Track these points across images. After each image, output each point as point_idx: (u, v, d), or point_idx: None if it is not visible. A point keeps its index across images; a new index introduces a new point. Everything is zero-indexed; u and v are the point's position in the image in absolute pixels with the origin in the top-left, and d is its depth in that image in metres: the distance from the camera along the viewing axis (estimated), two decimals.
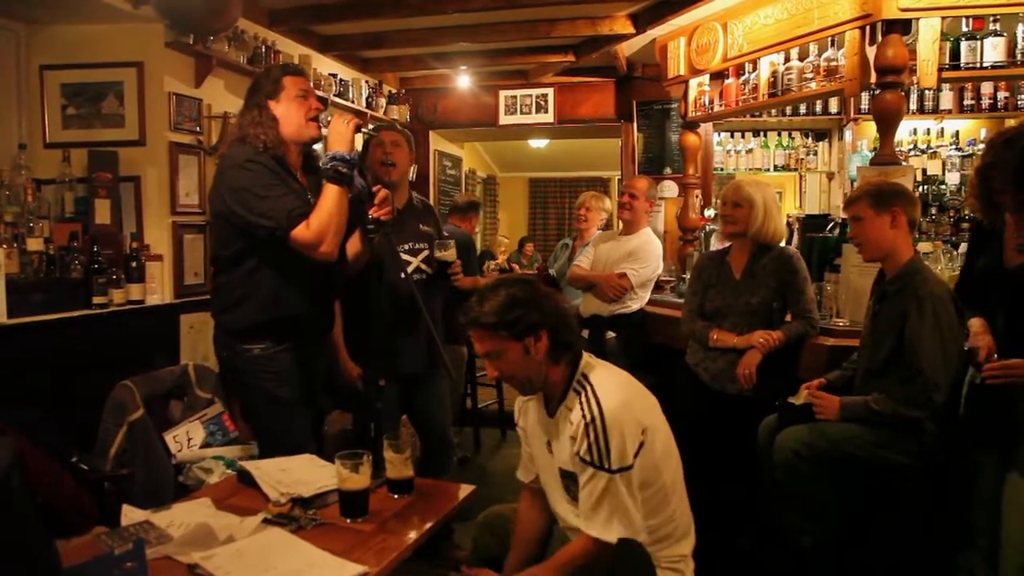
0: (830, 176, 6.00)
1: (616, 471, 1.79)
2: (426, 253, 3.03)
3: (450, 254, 2.98)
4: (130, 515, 1.84)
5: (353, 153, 2.38)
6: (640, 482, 1.85)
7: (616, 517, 1.80)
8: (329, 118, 2.42)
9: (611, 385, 1.90)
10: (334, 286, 2.61)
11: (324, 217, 2.30)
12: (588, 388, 1.88)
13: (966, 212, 4.47)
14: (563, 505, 1.98)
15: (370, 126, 2.73)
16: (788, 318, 3.08)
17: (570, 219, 11.02)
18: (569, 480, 1.92)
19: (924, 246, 3.59)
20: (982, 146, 4.93)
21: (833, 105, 5.46)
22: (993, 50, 3.41)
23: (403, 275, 2.76)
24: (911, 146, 5.36)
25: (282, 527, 1.79)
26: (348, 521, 1.85)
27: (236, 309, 2.43)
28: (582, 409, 1.85)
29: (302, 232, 2.28)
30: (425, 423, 3.12)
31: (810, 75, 3.69)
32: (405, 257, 2.96)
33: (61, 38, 3.67)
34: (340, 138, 2.37)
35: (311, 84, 2.54)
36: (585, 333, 3.85)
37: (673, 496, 1.94)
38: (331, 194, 2.33)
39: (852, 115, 5.33)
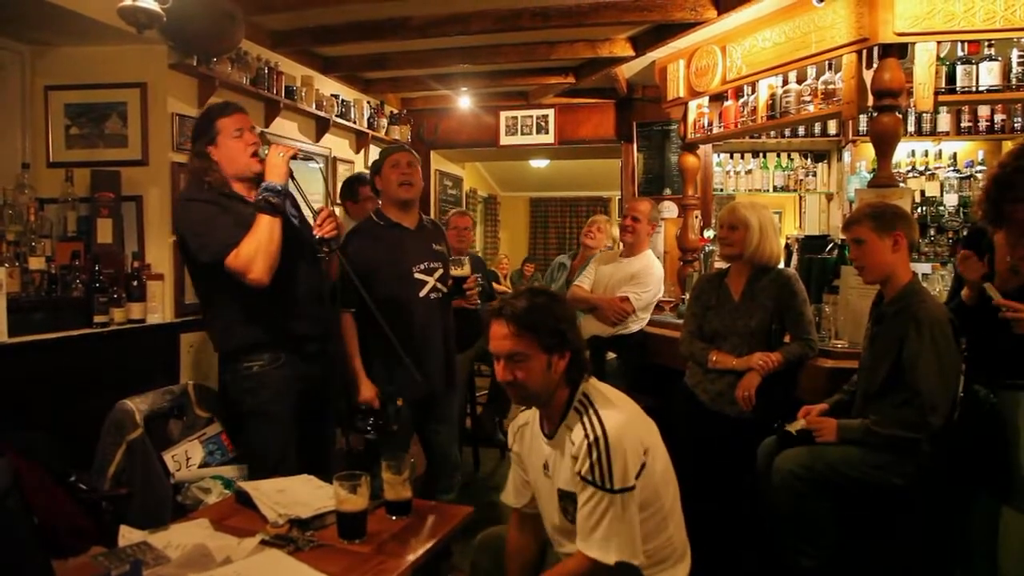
0: (829, 197, 6.02)
1: (618, 491, 1.79)
2: (440, 272, 3.05)
3: (465, 270, 3.02)
4: (127, 536, 1.83)
5: (285, 183, 2.49)
6: (640, 504, 1.84)
7: (615, 538, 1.79)
8: (266, 150, 2.53)
9: (614, 406, 1.91)
10: (310, 303, 2.67)
11: (252, 246, 2.39)
12: (590, 408, 1.89)
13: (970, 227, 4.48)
14: (559, 528, 1.97)
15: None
16: (787, 339, 3.09)
17: (571, 238, 11.06)
18: (567, 501, 1.91)
19: (922, 267, 3.60)
20: (981, 167, 4.97)
21: (832, 127, 5.48)
22: (988, 74, 3.44)
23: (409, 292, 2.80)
24: (909, 167, 5.37)
25: (280, 548, 1.79)
26: (346, 543, 1.85)
27: (223, 337, 2.58)
28: (584, 428, 1.85)
29: (231, 261, 2.39)
30: (435, 443, 3.11)
31: (808, 98, 3.72)
32: (420, 277, 2.98)
33: (66, 59, 3.70)
34: (275, 169, 2.49)
35: (246, 120, 2.64)
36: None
37: (671, 520, 1.93)
38: (261, 224, 2.42)
39: (851, 137, 5.36)
